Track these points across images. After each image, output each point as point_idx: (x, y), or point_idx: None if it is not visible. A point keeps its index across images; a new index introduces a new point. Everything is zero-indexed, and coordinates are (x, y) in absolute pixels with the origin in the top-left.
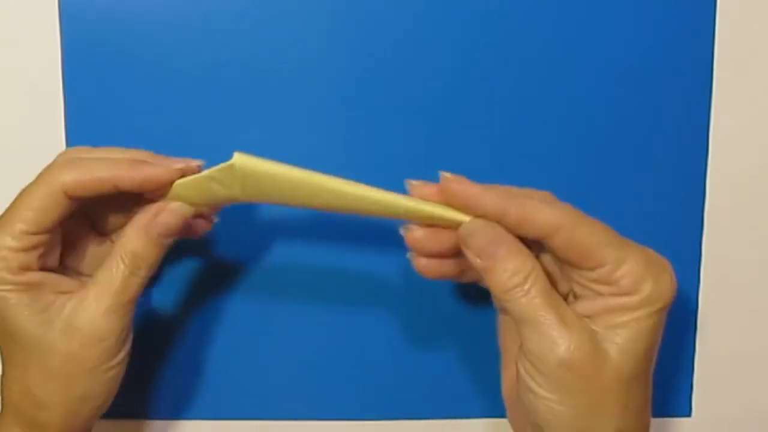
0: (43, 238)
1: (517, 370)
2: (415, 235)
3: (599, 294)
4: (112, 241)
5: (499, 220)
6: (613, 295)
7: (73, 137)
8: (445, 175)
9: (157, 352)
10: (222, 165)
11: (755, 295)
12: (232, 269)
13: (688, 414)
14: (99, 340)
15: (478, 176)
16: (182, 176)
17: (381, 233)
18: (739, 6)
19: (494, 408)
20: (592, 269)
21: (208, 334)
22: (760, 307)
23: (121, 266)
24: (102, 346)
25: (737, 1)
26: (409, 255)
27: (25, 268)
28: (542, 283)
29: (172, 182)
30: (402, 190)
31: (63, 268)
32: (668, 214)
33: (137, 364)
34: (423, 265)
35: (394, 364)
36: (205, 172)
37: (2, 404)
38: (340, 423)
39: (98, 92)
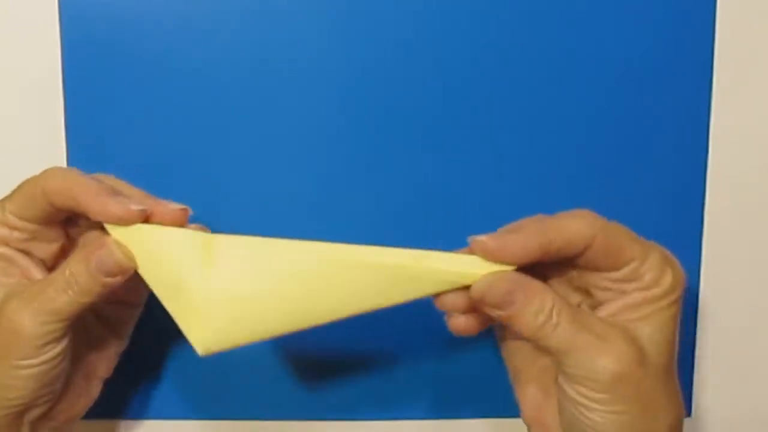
0: (26, 225)
1: (562, 392)
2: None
3: (623, 292)
4: None
5: (544, 255)
6: (637, 290)
7: (72, 137)
8: (477, 239)
9: (156, 352)
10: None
11: (755, 295)
12: None
13: (688, 414)
14: (14, 332)
15: (478, 176)
16: (146, 220)
17: (381, 234)
18: (739, 6)
19: (494, 408)
20: (619, 269)
21: None
22: (760, 307)
23: (59, 278)
24: (17, 339)
25: (737, 1)
26: (446, 318)
27: (2, 242)
28: (567, 311)
29: (135, 221)
30: (402, 192)
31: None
32: (668, 213)
33: (136, 364)
34: (460, 323)
35: (394, 364)
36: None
37: None
38: (340, 423)
39: (98, 92)
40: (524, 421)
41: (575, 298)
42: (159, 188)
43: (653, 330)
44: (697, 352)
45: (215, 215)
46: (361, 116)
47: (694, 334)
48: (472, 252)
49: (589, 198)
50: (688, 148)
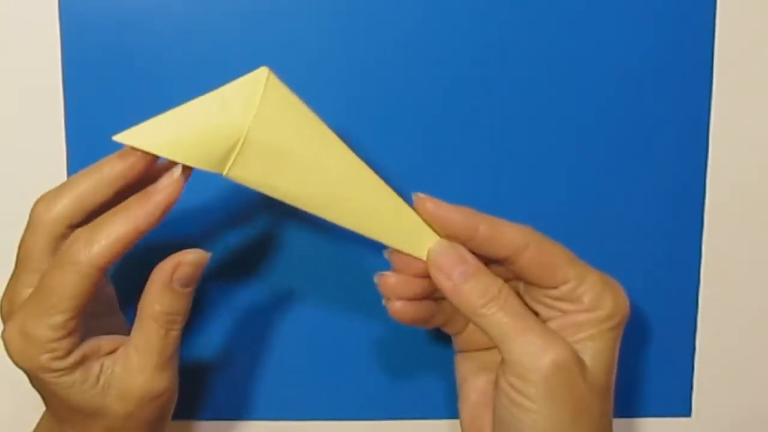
0: (80, 317)
1: (498, 389)
2: (389, 280)
3: (564, 312)
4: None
5: (469, 239)
6: (577, 311)
7: (72, 137)
8: (419, 195)
9: None
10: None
11: (755, 295)
12: (230, 270)
13: (688, 414)
14: (152, 399)
15: (477, 176)
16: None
17: None
18: (739, 6)
19: None
20: (555, 287)
21: (208, 334)
22: (760, 307)
23: (154, 327)
24: (158, 402)
25: (737, 1)
26: (384, 301)
27: (71, 349)
28: (515, 297)
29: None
30: (401, 192)
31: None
32: (668, 213)
33: None
34: (398, 308)
35: (395, 363)
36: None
37: None
38: (340, 423)
39: (98, 92)
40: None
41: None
42: None
43: (595, 351)
44: (697, 352)
45: (215, 215)
46: (361, 116)
47: (694, 334)
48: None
49: (589, 198)
50: (688, 148)
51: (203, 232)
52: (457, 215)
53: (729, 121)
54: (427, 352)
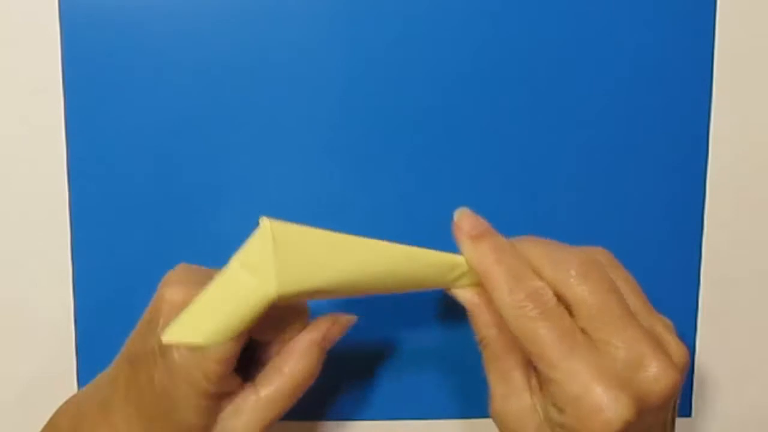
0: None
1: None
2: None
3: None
4: None
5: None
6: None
7: (73, 137)
8: (463, 214)
9: None
10: (254, 236)
11: (755, 295)
12: None
13: (689, 414)
14: None
15: (477, 175)
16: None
17: (380, 234)
18: (740, 6)
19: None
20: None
21: None
22: (760, 307)
23: (288, 385)
24: None
25: (737, 1)
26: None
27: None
28: (560, 313)
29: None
30: (402, 193)
31: None
32: (668, 213)
33: None
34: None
35: (395, 362)
36: (237, 258)
37: None
38: (340, 422)
39: (98, 92)
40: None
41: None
42: (159, 188)
43: None
44: (698, 352)
45: (216, 215)
46: (361, 116)
47: (694, 334)
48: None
49: (589, 198)
50: (688, 148)
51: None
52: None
53: (729, 121)
54: (427, 351)
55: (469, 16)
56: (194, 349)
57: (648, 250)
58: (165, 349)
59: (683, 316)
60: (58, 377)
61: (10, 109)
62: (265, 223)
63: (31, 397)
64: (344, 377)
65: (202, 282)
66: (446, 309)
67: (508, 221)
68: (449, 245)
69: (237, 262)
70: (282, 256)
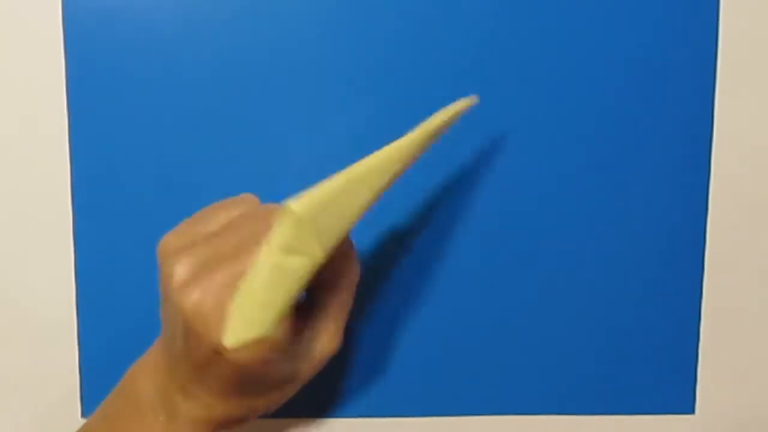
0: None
1: None
2: None
3: None
4: None
5: None
6: None
7: (76, 136)
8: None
9: None
10: (284, 224)
11: (758, 293)
12: None
13: (692, 411)
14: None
15: (477, 176)
16: None
17: (387, 235)
18: (743, 5)
19: (497, 405)
20: None
21: None
22: (763, 305)
23: (349, 297)
24: None
25: (741, 2)
26: None
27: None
28: None
29: None
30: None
31: None
32: (671, 211)
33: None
34: None
35: (396, 362)
36: (273, 247)
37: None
38: (340, 421)
39: (101, 92)
40: None
41: None
42: (161, 188)
43: None
44: (701, 350)
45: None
46: (363, 116)
47: (698, 331)
48: None
49: (590, 197)
50: (691, 147)
51: None
52: None
53: (732, 120)
54: (428, 352)
55: (472, 14)
56: (259, 341)
57: (651, 247)
58: (226, 350)
59: (687, 313)
60: (61, 376)
61: (14, 109)
62: (292, 207)
63: (33, 397)
64: (344, 377)
65: (200, 243)
66: (446, 307)
67: (508, 220)
68: (451, 241)
69: (275, 251)
70: (316, 227)
